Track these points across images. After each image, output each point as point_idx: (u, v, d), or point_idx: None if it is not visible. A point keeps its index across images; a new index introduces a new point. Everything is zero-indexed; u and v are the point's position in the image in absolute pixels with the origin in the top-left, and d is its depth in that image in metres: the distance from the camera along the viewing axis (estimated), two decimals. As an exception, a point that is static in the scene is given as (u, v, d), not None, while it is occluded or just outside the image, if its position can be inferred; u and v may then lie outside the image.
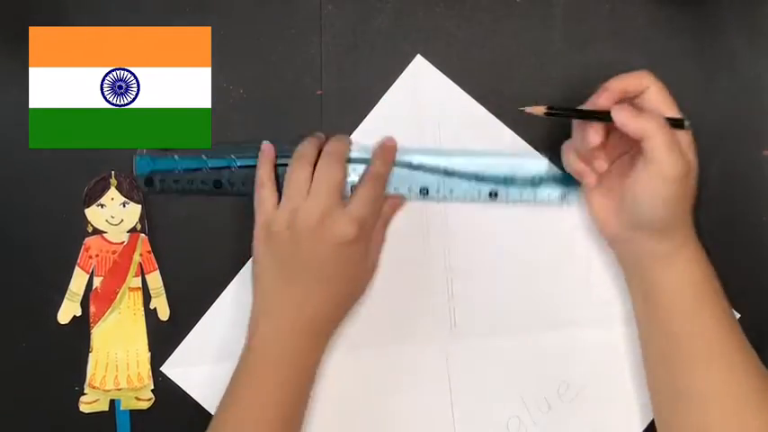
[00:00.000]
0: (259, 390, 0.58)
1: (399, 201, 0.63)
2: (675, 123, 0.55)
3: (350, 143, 0.62)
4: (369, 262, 0.62)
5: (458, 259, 0.63)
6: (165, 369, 0.64)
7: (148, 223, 0.64)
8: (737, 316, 0.63)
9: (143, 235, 0.64)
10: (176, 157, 0.63)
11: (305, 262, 0.58)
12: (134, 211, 0.64)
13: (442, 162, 0.62)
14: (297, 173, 0.59)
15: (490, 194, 0.63)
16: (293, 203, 0.58)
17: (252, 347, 0.60)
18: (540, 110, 0.57)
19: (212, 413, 0.63)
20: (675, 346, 0.57)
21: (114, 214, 0.64)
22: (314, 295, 0.59)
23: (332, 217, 0.57)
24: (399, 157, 0.62)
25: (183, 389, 0.64)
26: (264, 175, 0.61)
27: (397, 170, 0.62)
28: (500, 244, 0.64)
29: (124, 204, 0.63)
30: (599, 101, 0.56)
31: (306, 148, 0.61)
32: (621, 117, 0.54)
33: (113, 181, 0.63)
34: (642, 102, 0.56)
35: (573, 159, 0.59)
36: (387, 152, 0.62)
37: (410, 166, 0.62)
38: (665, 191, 0.54)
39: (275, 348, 0.59)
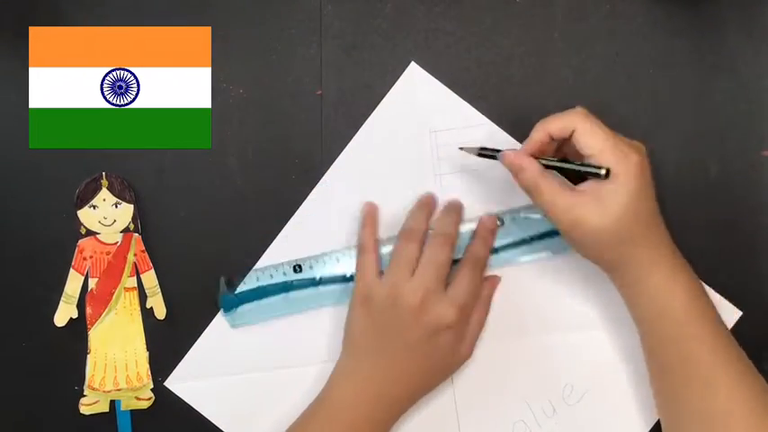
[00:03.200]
0: None
1: (496, 280, 0.63)
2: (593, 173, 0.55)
3: (460, 219, 0.62)
4: (463, 346, 0.61)
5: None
6: (168, 384, 0.64)
7: (142, 222, 0.64)
8: (739, 314, 0.63)
9: (136, 234, 0.63)
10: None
11: (401, 338, 0.58)
12: (126, 211, 0.63)
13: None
14: (405, 249, 0.60)
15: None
16: (397, 279, 0.59)
17: (328, 399, 0.60)
18: (473, 149, 0.61)
19: (217, 426, 0.63)
20: (667, 370, 0.57)
21: (107, 215, 0.63)
22: (403, 371, 0.59)
23: (433, 300, 0.58)
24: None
25: (188, 403, 0.64)
26: (367, 239, 0.62)
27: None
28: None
29: (116, 205, 0.63)
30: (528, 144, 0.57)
31: (416, 223, 0.61)
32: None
33: (104, 182, 0.63)
34: (573, 143, 0.56)
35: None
36: (487, 235, 0.62)
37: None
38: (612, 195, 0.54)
39: (350, 410, 0.59)
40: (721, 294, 0.62)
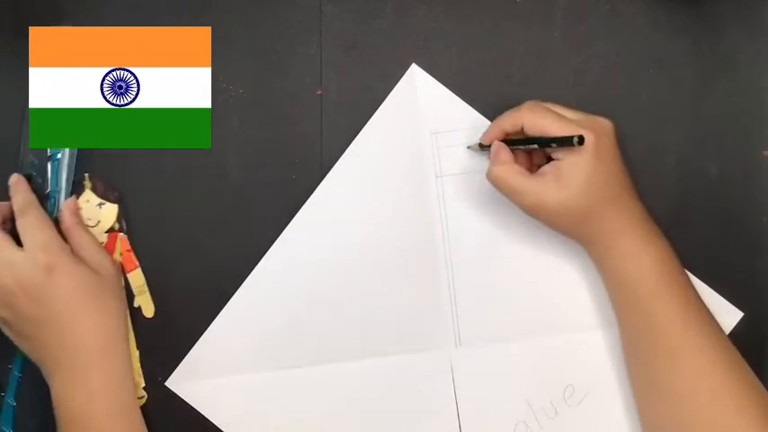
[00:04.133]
0: None
1: (72, 204, 0.62)
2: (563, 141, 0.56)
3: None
4: (95, 268, 0.60)
5: (461, 266, 0.63)
6: (169, 384, 0.64)
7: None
8: (740, 315, 0.63)
9: (122, 234, 0.63)
10: None
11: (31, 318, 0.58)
12: (111, 211, 0.63)
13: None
14: None
15: None
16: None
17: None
18: (475, 145, 0.62)
19: (217, 426, 0.63)
20: (637, 339, 0.58)
21: (91, 216, 0.63)
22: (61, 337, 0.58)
23: (16, 266, 0.57)
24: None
25: (188, 403, 0.64)
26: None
27: None
28: (502, 250, 0.64)
29: (100, 205, 0.63)
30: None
31: None
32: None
33: (87, 183, 0.63)
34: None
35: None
36: (16, 186, 0.61)
37: None
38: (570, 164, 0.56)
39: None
40: (721, 294, 0.63)
